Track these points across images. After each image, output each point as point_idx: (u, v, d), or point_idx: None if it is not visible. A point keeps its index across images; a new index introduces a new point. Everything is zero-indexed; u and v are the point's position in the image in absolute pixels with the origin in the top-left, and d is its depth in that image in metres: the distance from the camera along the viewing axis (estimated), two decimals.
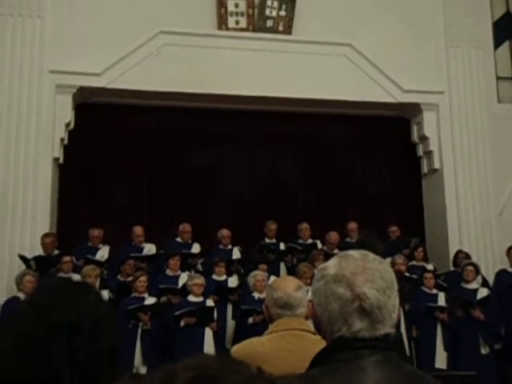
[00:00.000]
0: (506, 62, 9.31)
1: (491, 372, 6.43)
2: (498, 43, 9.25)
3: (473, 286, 6.95)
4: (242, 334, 6.08)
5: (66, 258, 6.58)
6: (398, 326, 4.41)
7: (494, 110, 8.84)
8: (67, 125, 7.82)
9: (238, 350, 2.27)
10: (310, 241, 7.78)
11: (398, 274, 5.27)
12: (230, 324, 6.66)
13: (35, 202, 7.41)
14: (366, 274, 1.25)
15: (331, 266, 1.30)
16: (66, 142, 7.88)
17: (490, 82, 8.99)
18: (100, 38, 7.82)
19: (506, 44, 9.37)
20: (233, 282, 6.93)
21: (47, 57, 7.76)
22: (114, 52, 7.80)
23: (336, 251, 7.19)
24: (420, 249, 7.69)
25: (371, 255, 1.31)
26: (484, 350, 6.60)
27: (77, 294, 1.18)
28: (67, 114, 7.79)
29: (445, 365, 6.55)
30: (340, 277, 1.26)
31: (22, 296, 5.89)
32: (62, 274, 6.39)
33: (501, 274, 7.34)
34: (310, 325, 2.06)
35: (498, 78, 9.18)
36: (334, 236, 7.69)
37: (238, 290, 6.76)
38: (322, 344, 1.31)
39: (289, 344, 2.16)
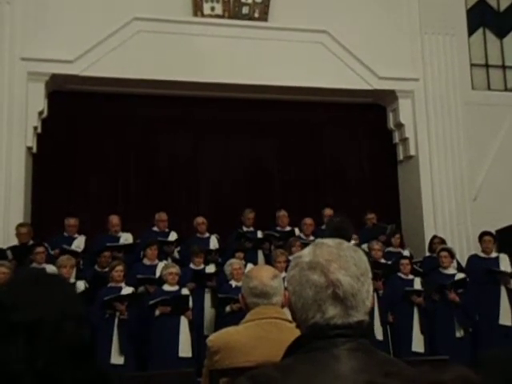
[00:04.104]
0: (479, 49, 9.39)
1: (466, 355, 6.53)
2: (471, 30, 9.32)
3: (450, 271, 7.01)
4: (220, 321, 6.09)
5: (39, 249, 6.44)
6: (371, 312, 4.45)
7: (468, 97, 8.92)
8: (40, 113, 7.69)
9: (214, 339, 2.26)
10: (287, 228, 7.80)
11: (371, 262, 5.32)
12: (209, 312, 6.65)
13: (9, 192, 7.30)
14: (340, 261, 1.25)
15: (306, 253, 1.30)
16: (39, 130, 7.76)
17: (464, 69, 9.06)
18: (73, 25, 7.68)
19: (480, 31, 9.45)
20: (210, 269, 6.91)
21: (18, 44, 7.60)
22: (87, 39, 7.67)
23: (311, 238, 7.24)
24: (397, 235, 7.78)
25: (345, 243, 1.32)
26: (459, 333, 6.69)
27: (44, 290, 1.11)
28: (40, 102, 7.66)
29: (422, 348, 6.63)
30: (314, 264, 1.26)
31: None
32: (35, 265, 6.30)
33: (472, 259, 7.42)
34: (286, 313, 2.06)
35: (472, 65, 9.26)
36: (308, 221, 7.71)
37: (216, 276, 6.75)
38: (298, 332, 1.31)
39: (265, 332, 2.17)
